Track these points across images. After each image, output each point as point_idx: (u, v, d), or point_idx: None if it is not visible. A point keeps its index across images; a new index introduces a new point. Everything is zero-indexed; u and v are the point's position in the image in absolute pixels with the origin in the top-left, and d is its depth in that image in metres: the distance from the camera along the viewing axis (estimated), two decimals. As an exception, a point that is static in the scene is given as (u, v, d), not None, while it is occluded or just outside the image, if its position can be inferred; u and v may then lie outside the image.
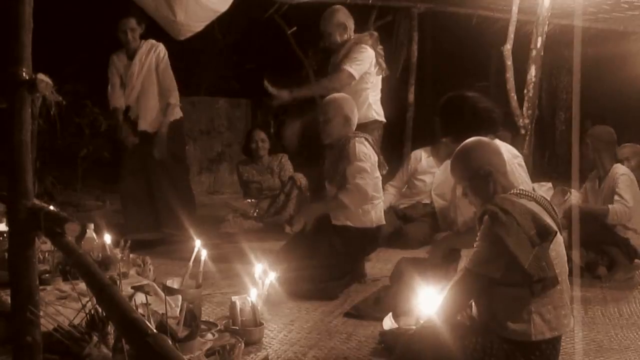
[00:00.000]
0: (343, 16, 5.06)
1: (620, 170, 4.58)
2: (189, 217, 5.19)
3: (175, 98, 5.40)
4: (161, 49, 5.40)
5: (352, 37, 5.03)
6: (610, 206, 4.47)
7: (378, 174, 4.31)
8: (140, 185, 5.42)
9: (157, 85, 5.37)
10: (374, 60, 5.00)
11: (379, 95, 5.17)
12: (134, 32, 5.30)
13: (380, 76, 5.16)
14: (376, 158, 4.29)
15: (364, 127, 4.67)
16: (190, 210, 5.42)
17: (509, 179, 2.78)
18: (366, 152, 4.18)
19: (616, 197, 4.48)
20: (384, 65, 5.12)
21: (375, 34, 5.16)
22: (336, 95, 4.44)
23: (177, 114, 5.49)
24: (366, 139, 4.27)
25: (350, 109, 4.30)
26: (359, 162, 4.13)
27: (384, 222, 4.39)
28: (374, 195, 4.21)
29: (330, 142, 4.34)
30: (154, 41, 5.42)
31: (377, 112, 5.10)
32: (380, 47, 5.10)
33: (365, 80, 4.96)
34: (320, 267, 4.04)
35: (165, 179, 5.38)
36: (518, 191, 2.71)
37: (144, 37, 5.42)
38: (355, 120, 4.34)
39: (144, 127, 5.38)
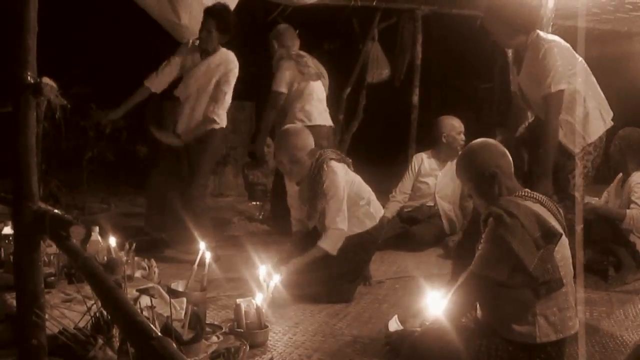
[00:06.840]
0: (270, 35, 5.80)
1: (637, 179, 4.60)
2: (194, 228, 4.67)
3: (216, 115, 4.91)
4: (234, 66, 4.97)
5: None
6: (627, 211, 4.54)
7: (354, 177, 4.14)
8: (165, 189, 5.02)
9: (210, 98, 4.94)
10: (294, 70, 5.59)
11: (314, 101, 5.63)
12: (211, 34, 4.87)
13: (313, 82, 5.66)
14: (346, 168, 4.12)
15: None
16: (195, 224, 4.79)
17: (514, 181, 2.78)
18: (339, 180, 3.97)
19: (632, 205, 4.55)
20: (310, 71, 5.62)
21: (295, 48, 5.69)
22: (290, 130, 4.20)
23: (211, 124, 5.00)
24: (332, 159, 4.05)
25: (310, 141, 4.07)
26: (334, 196, 3.94)
27: (382, 212, 4.25)
28: (361, 198, 4.08)
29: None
30: (232, 55, 5.00)
31: (308, 118, 5.56)
32: (300, 54, 5.70)
33: (292, 89, 5.58)
34: (329, 269, 3.99)
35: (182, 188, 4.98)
36: (523, 193, 2.71)
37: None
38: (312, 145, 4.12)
39: (179, 131, 4.99)
